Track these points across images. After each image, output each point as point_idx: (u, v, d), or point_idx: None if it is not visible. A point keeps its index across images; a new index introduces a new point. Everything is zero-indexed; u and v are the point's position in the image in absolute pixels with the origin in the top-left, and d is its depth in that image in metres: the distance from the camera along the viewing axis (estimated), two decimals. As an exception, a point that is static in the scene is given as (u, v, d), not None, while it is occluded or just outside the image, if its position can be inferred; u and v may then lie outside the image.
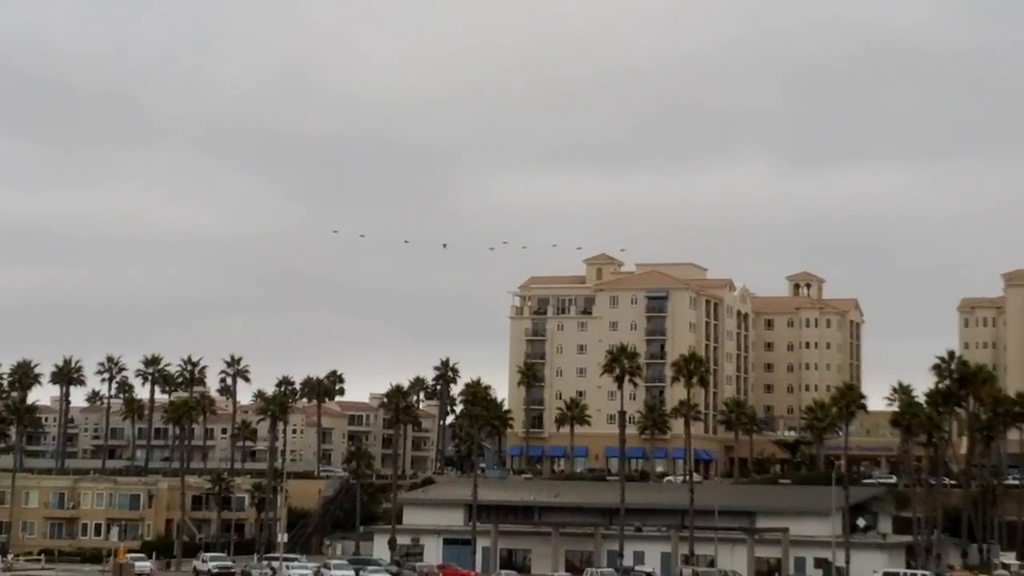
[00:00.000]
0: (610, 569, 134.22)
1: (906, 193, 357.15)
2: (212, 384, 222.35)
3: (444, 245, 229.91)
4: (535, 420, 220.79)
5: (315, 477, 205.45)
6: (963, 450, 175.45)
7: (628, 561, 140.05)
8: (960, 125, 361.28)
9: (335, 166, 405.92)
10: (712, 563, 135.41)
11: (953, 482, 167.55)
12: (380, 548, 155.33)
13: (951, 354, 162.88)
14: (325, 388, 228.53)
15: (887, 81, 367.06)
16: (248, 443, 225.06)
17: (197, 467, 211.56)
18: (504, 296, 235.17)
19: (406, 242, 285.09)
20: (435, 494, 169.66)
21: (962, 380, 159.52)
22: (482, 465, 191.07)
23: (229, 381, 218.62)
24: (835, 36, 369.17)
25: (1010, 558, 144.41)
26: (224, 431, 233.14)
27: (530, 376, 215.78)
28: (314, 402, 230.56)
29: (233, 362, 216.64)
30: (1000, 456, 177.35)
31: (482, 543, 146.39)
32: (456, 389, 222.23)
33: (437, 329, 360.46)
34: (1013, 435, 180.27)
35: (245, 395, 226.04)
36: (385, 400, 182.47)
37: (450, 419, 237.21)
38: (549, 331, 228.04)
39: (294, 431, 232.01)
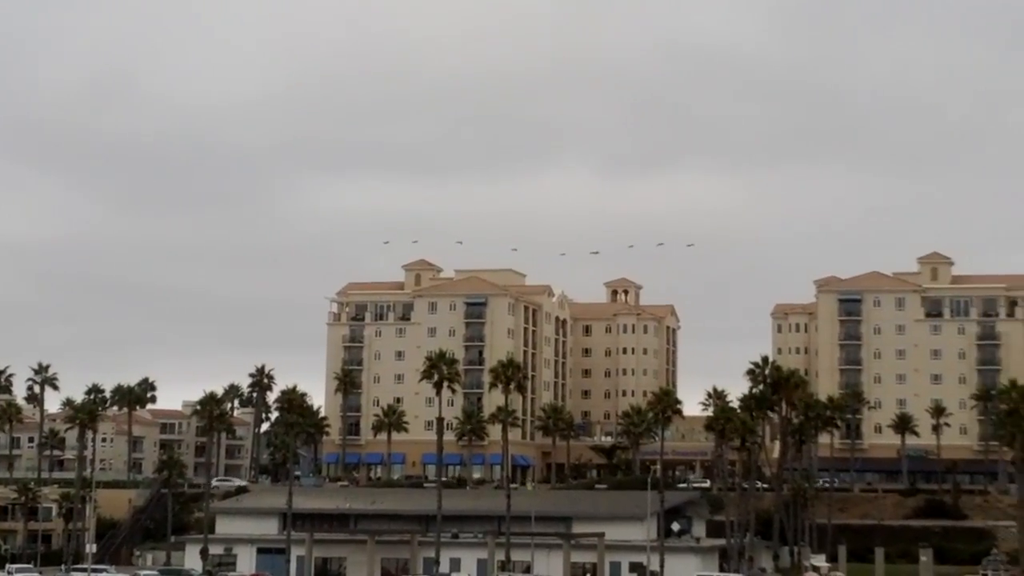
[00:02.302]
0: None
1: (722, 201, 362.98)
2: (19, 392, 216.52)
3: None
4: (352, 427, 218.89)
5: (125, 486, 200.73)
6: (775, 454, 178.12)
7: (444, 568, 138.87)
8: (774, 135, 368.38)
9: (150, 170, 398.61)
10: (528, 569, 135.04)
11: (766, 486, 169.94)
12: (192, 558, 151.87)
13: (765, 359, 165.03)
14: (136, 396, 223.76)
15: (704, 91, 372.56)
16: (56, 452, 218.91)
17: (3, 477, 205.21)
18: (322, 302, 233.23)
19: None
20: (249, 503, 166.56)
21: (775, 385, 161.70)
22: (297, 473, 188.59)
23: (36, 389, 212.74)
24: (653, 48, 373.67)
25: (820, 560, 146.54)
26: (31, 440, 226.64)
27: (347, 383, 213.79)
28: (125, 410, 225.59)
29: (41, 369, 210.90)
30: (811, 460, 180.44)
31: (297, 552, 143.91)
32: (272, 396, 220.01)
33: (254, 336, 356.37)
34: (824, 439, 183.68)
35: (53, 403, 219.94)
36: (198, 408, 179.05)
37: (265, 427, 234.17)
38: (367, 337, 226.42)
39: (104, 440, 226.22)
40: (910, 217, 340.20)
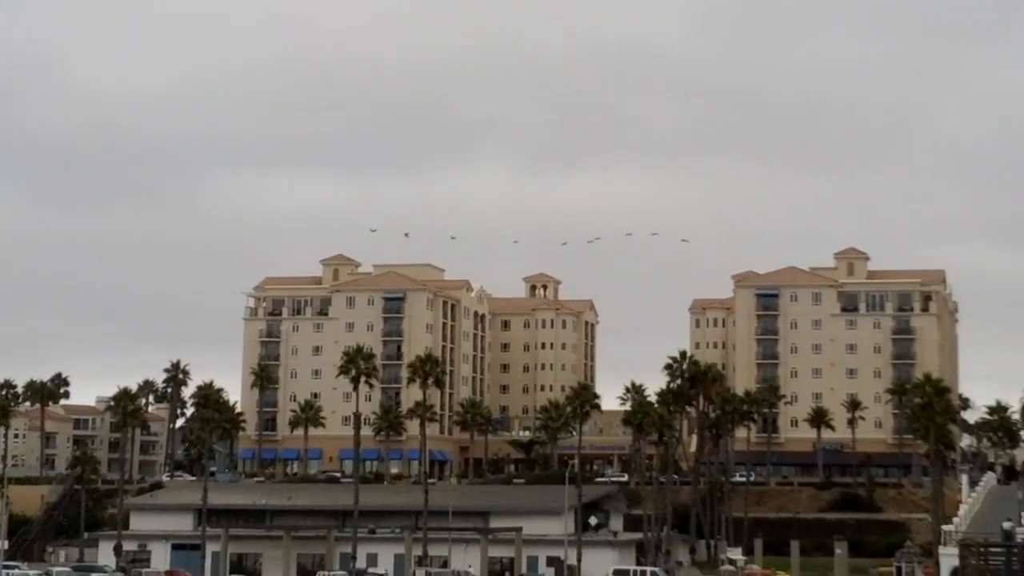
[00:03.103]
0: (343, 572, 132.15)
1: (641, 197, 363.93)
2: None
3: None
4: (268, 422, 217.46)
5: (38, 482, 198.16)
6: (693, 448, 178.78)
7: (361, 563, 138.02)
8: (694, 132, 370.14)
9: (63, 163, 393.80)
10: (445, 564, 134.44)
11: (683, 479, 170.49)
12: (106, 555, 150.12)
13: (682, 354, 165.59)
14: (49, 391, 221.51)
15: (623, 88, 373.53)
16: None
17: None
18: (239, 297, 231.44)
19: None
20: (163, 499, 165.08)
21: (692, 380, 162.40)
22: (213, 469, 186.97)
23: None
24: (573, 44, 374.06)
25: (736, 553, 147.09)
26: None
27: (264, 378, 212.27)
28: (37, 406, 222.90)
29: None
30: (728, 454, 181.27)
31: (212, 548, 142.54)
32: (188, 392, 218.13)
33: (170, 331, 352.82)
34: (741, 433, 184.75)
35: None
36: (112, 403, 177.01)
37: (180, 422, 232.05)
38: (284, 332, 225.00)
39: (16, 436, 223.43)
40: (827, 213, 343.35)
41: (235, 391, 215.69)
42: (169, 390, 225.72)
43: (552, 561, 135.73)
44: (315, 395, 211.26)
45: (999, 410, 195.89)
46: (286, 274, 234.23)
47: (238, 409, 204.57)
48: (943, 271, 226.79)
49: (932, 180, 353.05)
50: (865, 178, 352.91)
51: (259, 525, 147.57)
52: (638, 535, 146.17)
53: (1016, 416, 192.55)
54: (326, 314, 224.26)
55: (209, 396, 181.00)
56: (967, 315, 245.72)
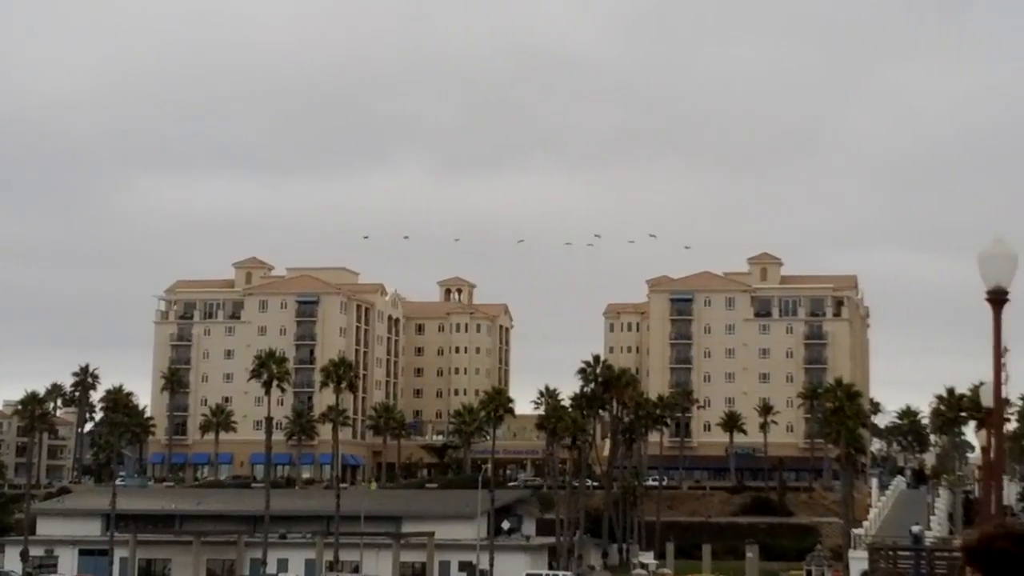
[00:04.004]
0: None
1: (557, 201, 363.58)
2: None
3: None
4: (179, 427, 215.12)
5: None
6: (606, 452, 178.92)
7: (272, 569, 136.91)
8: (610, 136, 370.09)
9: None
10: (357, 569, 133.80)
11: (596, 484, 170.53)
12: (12, 560, 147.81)
13: (596, 358, 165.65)
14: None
15: (541, 92, 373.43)
16: None
17: None
18: (149, 300, 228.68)
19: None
20: (71, 504, 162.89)
21: (606, 384, 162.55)
22: (121, 473, 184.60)
23: None
24: (491, 47, 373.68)
25: (648, 557, 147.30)
26: None
27: (174, 382, 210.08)
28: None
29: None
30: (641, 458, 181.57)
31: (120, 553, 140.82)
32: (97, 396, 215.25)
33: (79, 334, 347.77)
34: (654, 437, 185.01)
35: None
36: (19, 407, 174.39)
37: (89, 427, 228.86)
38: (195, 336, 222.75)
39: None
40: (741, 218, 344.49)
41: (145, 395, 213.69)
42: (78, 394, 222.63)
43: (464, 566, 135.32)
44: (226, 399, 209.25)
45: (909, 415, 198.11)
46: (198, 277, 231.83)
47: (148, 413, 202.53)
48: (855, 276, 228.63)
49: (844, 185, 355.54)
50: (779, 184, 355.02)
51: (168, 530, 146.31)
52: (551, 539, 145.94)
53: (925, 421, 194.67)
54: (238, 317, 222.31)
55: (118, 400, 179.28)
56: (878, 320, 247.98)
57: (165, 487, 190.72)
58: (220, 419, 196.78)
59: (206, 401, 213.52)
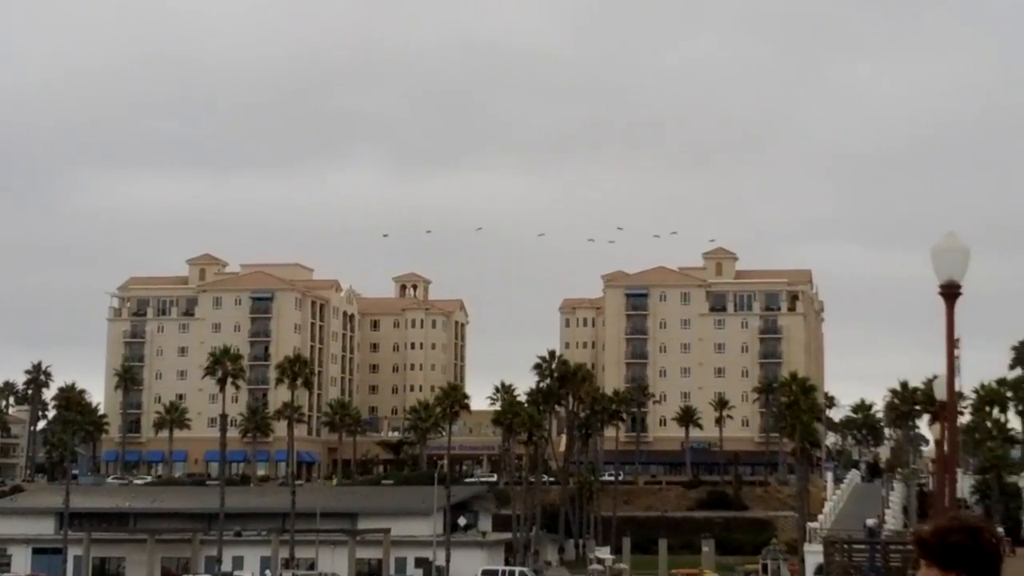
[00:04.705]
0: (207, 575, 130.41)
1: (513, 197, 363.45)
2: None
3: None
4: (133, 424, 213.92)
5: None
6: (562, 448, 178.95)
7: (227, 567, 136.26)
8: (566, 131, 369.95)
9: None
10: (312, 566, 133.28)
11: (552, 479, 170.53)
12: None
13: (552, 354, 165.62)
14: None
15: (499, 88, 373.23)
16: None
17: None
18: (102, 297, 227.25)
19: None
20: (24, 502, 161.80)
21: (562, 379, 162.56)
22: (75, 471, 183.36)
23: None
24: (447, 42, 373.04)
25: (605, 552, 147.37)
26: None
27: (128, 379, 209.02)
28: None
29: None
30: (597, 453, 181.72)
31: (74, 552, 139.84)
32: (49, 393, 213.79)
33: (31, 332, 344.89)
34: (610, 432, 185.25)
35: None
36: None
37: (42, 425, 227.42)
38: (149, 333, 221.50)
39: None
40: (696, 213, 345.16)
41: (98, 393, 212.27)
42: (30, 392, 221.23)
43: (421, 562, 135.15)
44: (180, 396, 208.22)
45: (863, 408, 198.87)
46: (152, 274, 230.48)
47: (101, 411, 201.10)
48: (809, 271, 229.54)
49: (799, 180, 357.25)
50: (734, 179, 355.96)
51: (122, 528, 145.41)
52: (507, 535, 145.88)
53: (880, 414, 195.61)
54: (192, 314, 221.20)
55: (71, 398, 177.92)
56: (832, 315, 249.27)
57: (120, 485, 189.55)
58: (174, 416, 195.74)
59: (160, 398, 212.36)
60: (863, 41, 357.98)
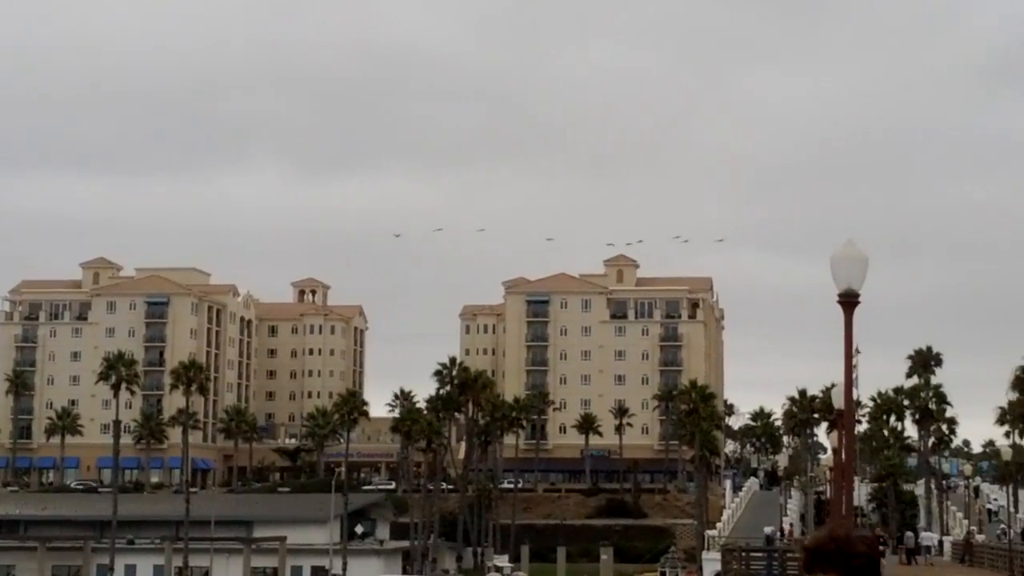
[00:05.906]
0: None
1: (413, 202, 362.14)
2: None
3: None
4: (24, 430, 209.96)
5: None
6: (461, 455, 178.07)
7: (119, 575, 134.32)
8: (467, 137, 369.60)
9: None
10: (207, 574, 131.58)
11: (451, 487, 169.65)
12: None
13: (452, 360, 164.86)
14: None
15: (397, 91, 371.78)
16: None
17: None
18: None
19: None
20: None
21: (462, 386, 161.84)
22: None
23: None
24: (347, 45, 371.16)
25: (503, 560, 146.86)
26: None
27: (19, 384, 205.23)
28: None
29: None
30: (496, 460, 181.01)
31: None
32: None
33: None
34: (509, 439, 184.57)
35: None
36: None
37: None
38: (41, 337, 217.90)
39: None
40: (597, 220, 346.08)
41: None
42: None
43: (317, 571, 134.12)
44: (73, 402, 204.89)
45: (762, 416, 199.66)
46: (44, 277, 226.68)
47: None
48: (710, 279, 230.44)
49: (700, 189, 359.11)
50: (635, 185, 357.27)
51: (12, 536, 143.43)
52: (405, 543, 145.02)
53: (778, 422, 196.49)
54: (85, 319, 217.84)
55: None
56: (732, 323, 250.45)
57: (9, 492, 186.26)
58: (66, 422, 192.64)
59: (51, 404, 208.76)
60: (763, 49, 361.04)
